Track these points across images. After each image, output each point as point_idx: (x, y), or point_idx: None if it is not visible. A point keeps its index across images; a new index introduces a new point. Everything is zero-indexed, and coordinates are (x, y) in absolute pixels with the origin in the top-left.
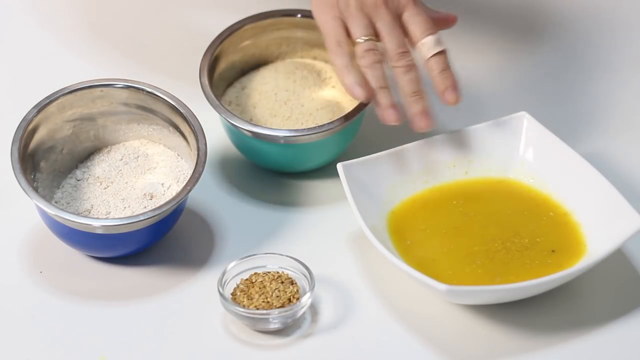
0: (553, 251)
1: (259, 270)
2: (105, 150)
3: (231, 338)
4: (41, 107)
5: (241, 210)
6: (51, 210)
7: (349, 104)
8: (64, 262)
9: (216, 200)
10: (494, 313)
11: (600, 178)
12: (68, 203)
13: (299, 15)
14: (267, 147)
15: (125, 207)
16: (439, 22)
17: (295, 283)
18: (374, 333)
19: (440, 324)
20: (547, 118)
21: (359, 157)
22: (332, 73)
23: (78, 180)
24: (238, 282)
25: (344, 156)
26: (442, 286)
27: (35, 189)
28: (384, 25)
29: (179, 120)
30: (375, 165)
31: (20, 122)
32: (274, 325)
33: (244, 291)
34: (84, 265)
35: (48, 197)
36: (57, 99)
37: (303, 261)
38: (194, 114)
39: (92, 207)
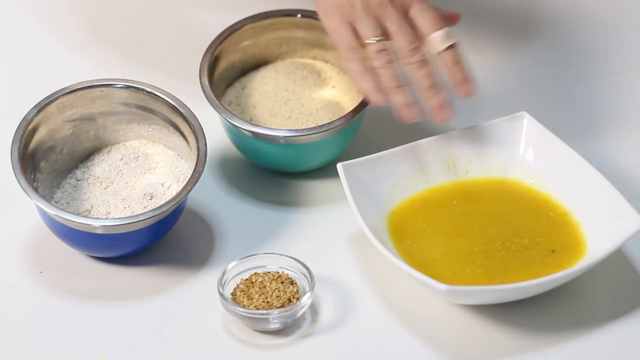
0: (553, 251)
1: (259, 270)
2: (105, 150)
3: (231, 338)
4: (41, 107)
5: (241, 210)
6: (51, 210)
7: (349, 104)
8: (64, 262)
9: (216, 200)
10: (494, 313)
11: (600, 178)
12: (68, 203)
13: (299, 15)
14: (267, 147)
15: (125, 207)
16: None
17: (295, 283)
18: (374, 333)
19: (440, 324)
20: (547, 118)
21: (359, 157)
22: (332, 73)
23: (78, 180)
24: (238, 282)
25: (344, 156)
26: (442, 286)
27: (35, 189)
28: (393, 23)
29: (179, 120)
30: (375, 165)
31: (20, 122)
32: (274, 325)
33: (244, 291)
34: (84, 265)
35: (48, 197)
36: (57, 99)
37: (303, 261)
38: (194, 114)
39: (92, 207)
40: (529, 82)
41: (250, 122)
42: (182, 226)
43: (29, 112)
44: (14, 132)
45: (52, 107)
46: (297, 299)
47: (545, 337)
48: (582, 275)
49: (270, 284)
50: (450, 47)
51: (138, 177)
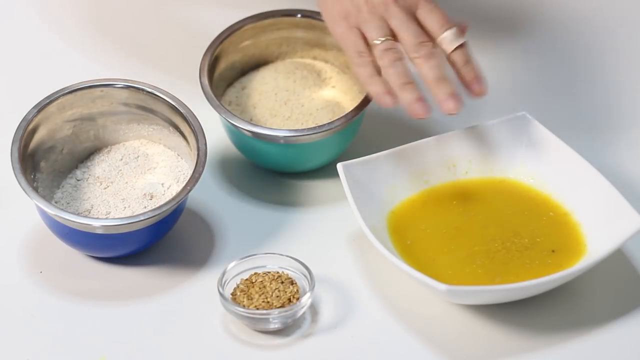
0: (553, 251)
1: (259, 270)
2: (105, 150)
3: (231, 338)
4: (41, 107)
5: (241, 210)
6: (51, 210)
7: (349, 104)
8: (64, 262)
9: (216, 200)
10: (494, 313)
11: (600, 178)
12: (68, 203)
13: (299, 15)
14: (267, 147)
15: (125, 207)
16: None
17: (295, 283)
18: (374, 333)
19: (440, 324)
20: (547, 118)
21: (359, 157)
22: (332, 73)
23: (78, 180)
24: (238, 282)
25: (344, 156)
26: (442, 286)
27: (35, 189)
28: (398, 21)
29: (179, 120)
30: (375, 165)
31: (20, 122)
32: (274, 325)
33: (244, 291)
34: (84, 265)
35: (48, 197)
36: (57, 99)
37: (303, 261)
38: (194, 114)
39: (92, 207)
40: (529, 82)
41: (250, 122)
42: (182, 226)
43: (29, 112)
44: (14, 132)
45: (52, 107)
46: (297, 299)
47: (545, 337)
48: (582, 275)
49: (270, 284)
50: (460, 46)
51: (138, 177)
